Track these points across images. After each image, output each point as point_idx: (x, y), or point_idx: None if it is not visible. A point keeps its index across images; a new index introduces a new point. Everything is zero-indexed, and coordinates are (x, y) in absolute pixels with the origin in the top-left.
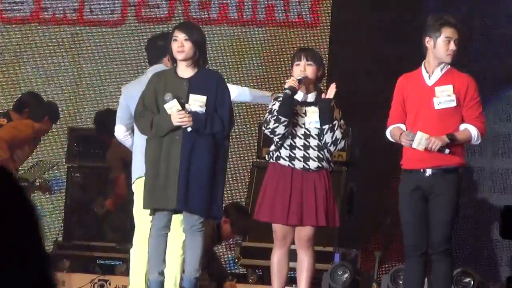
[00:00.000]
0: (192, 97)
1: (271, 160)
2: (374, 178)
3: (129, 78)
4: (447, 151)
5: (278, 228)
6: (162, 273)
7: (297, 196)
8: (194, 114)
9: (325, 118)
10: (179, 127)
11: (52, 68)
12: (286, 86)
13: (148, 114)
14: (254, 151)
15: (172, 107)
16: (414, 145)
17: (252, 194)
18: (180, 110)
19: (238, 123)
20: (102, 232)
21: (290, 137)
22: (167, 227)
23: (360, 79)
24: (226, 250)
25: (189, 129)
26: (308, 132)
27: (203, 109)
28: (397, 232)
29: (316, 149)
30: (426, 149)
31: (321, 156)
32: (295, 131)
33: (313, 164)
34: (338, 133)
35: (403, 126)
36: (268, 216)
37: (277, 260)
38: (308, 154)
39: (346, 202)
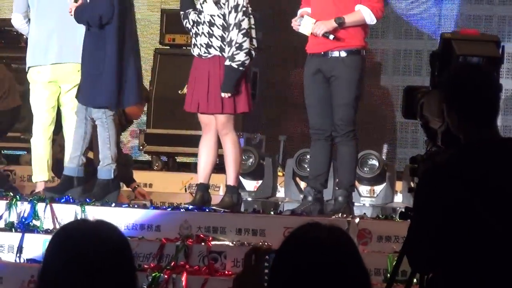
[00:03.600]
0: None
1: None
2: (279, 61)
3: None
4: (331, 37)
5: (199, 116)
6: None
7: (197, 84)
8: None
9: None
10: None
11: None
12: None
13: None
14: (157, 38)
15: None
16: (301, 30)
17: (155, 80)
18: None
19: (141, 9)
20: None
21: (195, 24)
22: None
23: None
24: (131, 137)
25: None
26: (199, 20)
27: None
28: (302, 116)
29: (207, 36)
30: (312, 34)
31: (210, 43)
32: (199, 18)
33: (202, 51)
34: (233, 34)
35: (309, 10)
36: (185, 105)
37: (200, 145)
38: (197, 40)
39: (250, 87)
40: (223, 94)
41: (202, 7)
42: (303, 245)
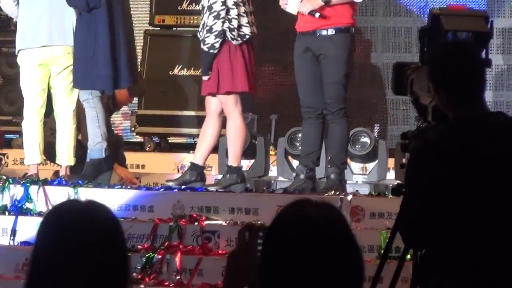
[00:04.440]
0: None
1: None
2: (270, 40)
3: None
4: (317, 15)
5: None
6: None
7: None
8: None
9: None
10: None
11: None
12: None
13: None
14: (147, 19)
15: None
16: (288, 9)
17: (146, 61)
18: None
19: None
20: None
21: None
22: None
23: None
24: (122, 119)
25: None
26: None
27: None
28: (293, 95)
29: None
30: (299, 12)
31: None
32: None
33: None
34: (205, 17)
35: None
36: None
37: (202, 126)
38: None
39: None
40: (203, 77)
41: None
42: (294, 222)
